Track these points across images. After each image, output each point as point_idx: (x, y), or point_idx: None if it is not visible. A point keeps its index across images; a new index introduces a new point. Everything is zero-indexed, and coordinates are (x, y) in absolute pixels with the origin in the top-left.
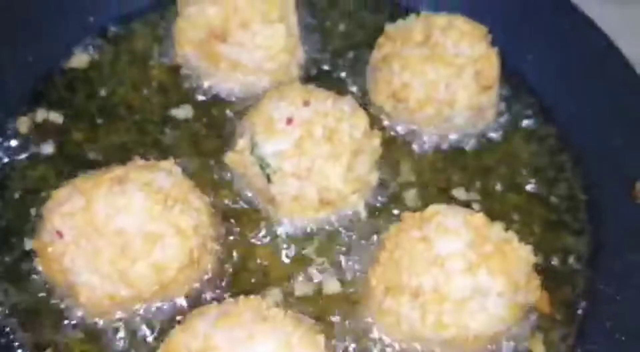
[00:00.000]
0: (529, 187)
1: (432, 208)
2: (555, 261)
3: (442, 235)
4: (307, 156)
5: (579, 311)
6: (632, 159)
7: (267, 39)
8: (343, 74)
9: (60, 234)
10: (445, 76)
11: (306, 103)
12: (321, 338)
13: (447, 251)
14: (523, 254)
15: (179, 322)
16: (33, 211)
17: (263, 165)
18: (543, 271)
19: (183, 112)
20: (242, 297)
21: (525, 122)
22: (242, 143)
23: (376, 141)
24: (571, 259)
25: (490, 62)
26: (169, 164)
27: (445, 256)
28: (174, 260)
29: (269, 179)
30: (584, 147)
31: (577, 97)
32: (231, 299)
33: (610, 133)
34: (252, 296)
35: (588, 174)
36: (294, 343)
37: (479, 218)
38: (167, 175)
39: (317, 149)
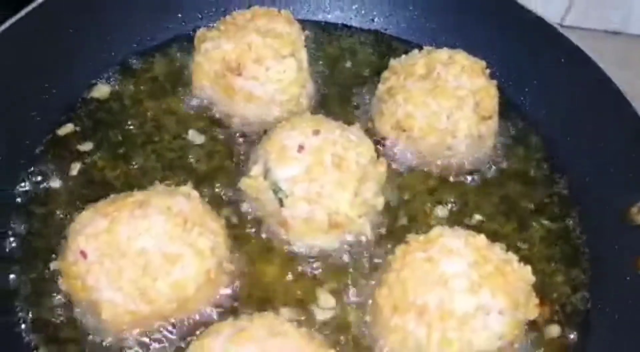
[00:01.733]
0: (526, 212)
1: (436, 231)
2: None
3: (446, 256)
4: (317, 182)
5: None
6: (623, 188)
7: (279, 73)
8: (350, 107)
9: (84, 254)
10: (446, 107)
11: (316, 132)
12: None
13: (451, 271)
14: (522, 274)
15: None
16: (56, 235)
17: (276, 189)
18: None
19: (199, 140)
20: (256, 313)
21: (522, 151)
22: (256, 169)
23: (382, 168)
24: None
25: (489, 94)
26: (187, 189)
27: (449, 276)
28: (192, 279)
29: (281, 203)
30: (578, 175)
31: (572, 128)
32: (245, 316)
33: (603, 162)
34: (265, 313)
35: (581, 201)
36: None
37: (481, 240)
38: (185, 199)
39: (327, 175)
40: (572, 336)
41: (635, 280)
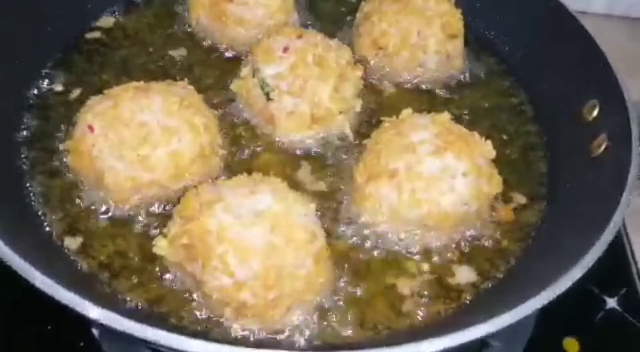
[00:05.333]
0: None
1: (405, 112)
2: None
3: (414, 130)
4: (300, 77)
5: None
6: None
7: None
8: (331, 34)
9: (91, 128)
10: (416, 24)
11: (299, 36)
12: (313, 205)
13: (418, 139)
14: (484, 145)
15: None
16: (64, 126)
17: (263, 86)
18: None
19: (194, 60)
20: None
21: (487, 71)
22: (245, 70)
23: (358, 72)
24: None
25: (454, 17)
26: (183, 83)
27: (416, 143)
28: (187, 150)
29: (268, 97)
30: (537, 86)
31: (529, 48)
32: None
33: (557, 71)
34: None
35: (540, 107)
36: (290, 200)
37: (445, 116)
38: (182, 88)
39: (309, 71)
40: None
41: (588, 162)
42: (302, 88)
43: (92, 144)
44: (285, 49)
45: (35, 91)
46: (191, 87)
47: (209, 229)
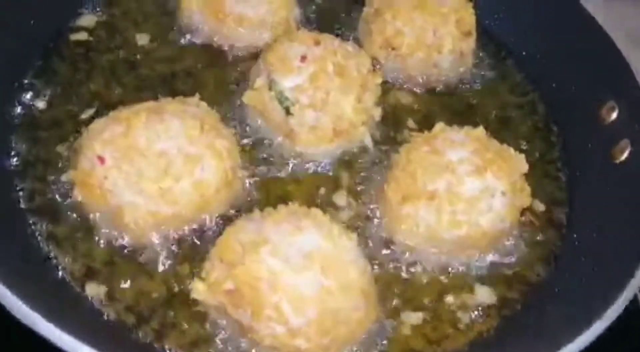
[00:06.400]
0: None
1: (437, 127)
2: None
3: (449, 146)
4: (322, 89)
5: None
6: (592, 91)
7: None
8: (336, 29)
9: (101, 160)
10: (432, 23)
11: (317, 43)
12: (354, 235)
13: (456, 158)
14: (519, 160)
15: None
16: (60, 149)
17: (282, 99)
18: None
19: (190, 63)
20: (279, 205)
21: (498, 69)
22: (259, 81)
23: (378, 80)
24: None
25: (468, 12)
26: (195, 99)
27: (455, 162)
28: (212, 179)
29: (288, 112)
30: (550, 85)
31: (541, 45)
32: (270, 208)
33: (573, 71)
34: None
35: (555, 106)
36: (334, 234)
37: (480, 131)
38: (196, 107)
39: (330, 82)
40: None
41: (610, 168)
42: (324, 101)
43: (104, 176)
44: (303, 58)
45: (19, 109)
46: (204, 104)
47: (258, 276)
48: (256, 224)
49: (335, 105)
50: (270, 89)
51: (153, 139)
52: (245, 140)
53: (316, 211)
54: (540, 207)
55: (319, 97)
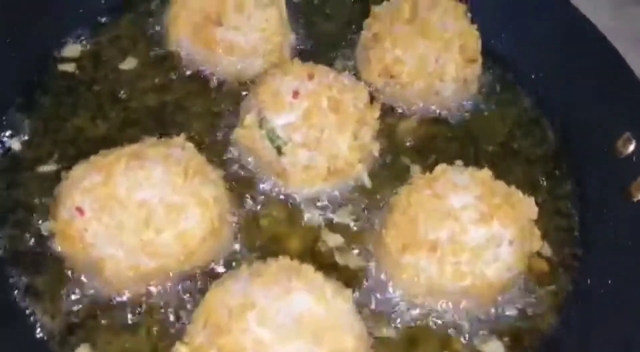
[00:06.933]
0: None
1: (439, 169)
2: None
3: (452, 190)
4: (315, 127)
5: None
6: (607, 123)
7: (262, 22)
8: (332, 55)
9: (80, 211)
10: (434, 50)
11: (310, 76)
12: (349, 291)
13: (460, 204)
14: (528, 205)
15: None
16: (41, 194)
17: (273, 138)
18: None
19: (179, 94)
20: (269, 258)
21: (504, 94)
22: (249, 118)
23: (376, 113)
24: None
25: (473, 37)
26: (180, 140)
27: (458, 209)
28: (197, 229)
29: (279, 152)
30: (561, 112)
31: (552, 68)
32: (259, 262)
33: (586, 100)
34: (279, 257)
35: (567, 135)
36: (327, 295)
37: (485, 173)
38: (181, 150)
39: (325, 119)
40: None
41: (627, 206)
42: (318, 140)
43: (84, 228)
44: (296, 94)
45: None
46: (190, 145)
47: (244, 347)
48: (243, 284)
49: (330, 144)
50: (260, 126)
51: (133, 188)
52: (235, 181)
53: (308, 268)
54: (549, 251)
55: (312, 135)
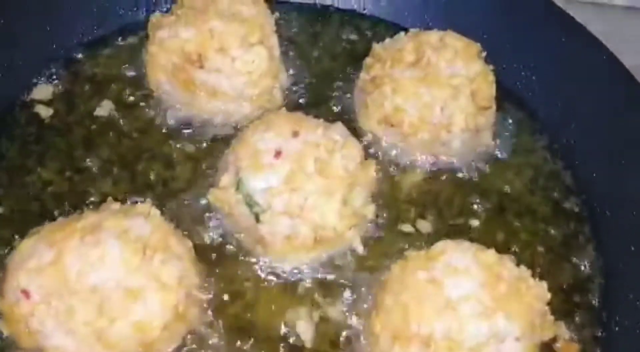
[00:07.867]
0: (530, 209)
1: (439, 246)
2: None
3: (451, 276)
4: (299, 192)
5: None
6: (633, 177)
7: (247, 64)
8: (329, 99)
9: (26, 294)
10: (440, 98)
11: (295, 134)
12: None
13: (459, 293)
14: (539, 292)
15: None
16: None
17: (250, 203)
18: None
19: (158, 144)
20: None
21: (525, 142)
22: (225, 179)
23: (371, 171)
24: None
25: (487, 81)
26: (146, 207)
27: (457, 300)
28: (157, 317)
29: (257, 219)
30: (586, 166)
31: (576, 113)
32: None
33: (610, 149)
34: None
35: (589, 192)
36: None
37: (490, 256)
38: (144, 220)
39: (310, 184)
40: None
41: None
42: (301, 207)
43: (31, 313)
44: (278, 154)
45: None
46: (156, 213)
47: None
48: None
49: (316, 212)
50: (237, 189)
51: (86, 271)
52: (208, 249)
53: None
54: (566, 333)
55: (295, 202)
